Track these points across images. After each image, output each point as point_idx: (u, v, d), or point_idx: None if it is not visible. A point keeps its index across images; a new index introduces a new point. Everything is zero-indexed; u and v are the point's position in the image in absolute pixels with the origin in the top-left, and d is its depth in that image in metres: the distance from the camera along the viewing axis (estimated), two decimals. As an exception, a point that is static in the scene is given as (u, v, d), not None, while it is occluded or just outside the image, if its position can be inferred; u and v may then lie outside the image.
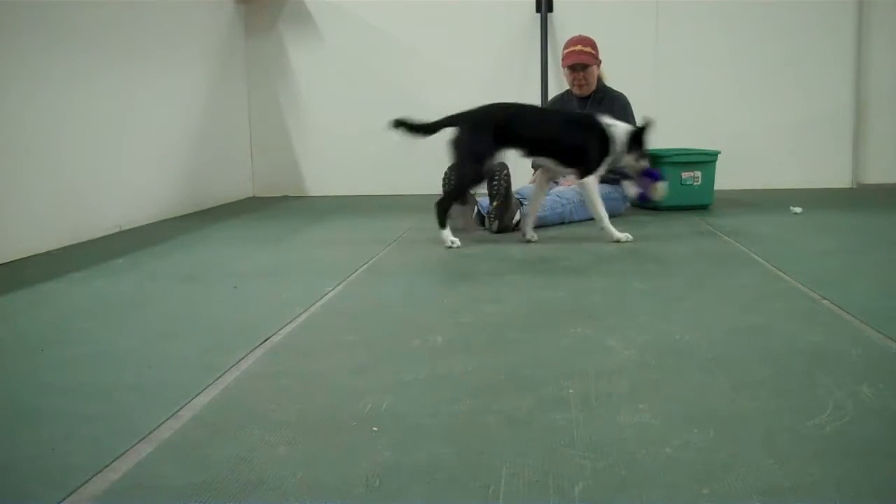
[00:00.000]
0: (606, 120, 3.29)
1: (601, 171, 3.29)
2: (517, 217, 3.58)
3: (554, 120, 3.44)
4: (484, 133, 3.15)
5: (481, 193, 3.66)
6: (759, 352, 1.76)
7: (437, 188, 3.63)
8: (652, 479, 1.16)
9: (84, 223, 3.59)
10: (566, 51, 4.10)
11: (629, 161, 3.31)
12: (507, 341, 1.89)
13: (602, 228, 3.27)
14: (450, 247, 3.17)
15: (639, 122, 4.18)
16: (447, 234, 3.21)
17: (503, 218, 3.52)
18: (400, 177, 5.42)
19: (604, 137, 3.24)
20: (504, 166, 3.53)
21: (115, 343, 1.96)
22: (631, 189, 3.59)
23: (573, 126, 3.33)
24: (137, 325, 2.14)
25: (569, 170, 3.32)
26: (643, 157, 3.32)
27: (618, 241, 3.23)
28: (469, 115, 3.21)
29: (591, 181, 3.25)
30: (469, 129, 3.17)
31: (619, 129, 3.26)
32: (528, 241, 3.31)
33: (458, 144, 3.17)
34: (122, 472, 1.23)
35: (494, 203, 3.52)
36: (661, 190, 3.54)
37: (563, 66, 4.15)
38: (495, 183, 3.48)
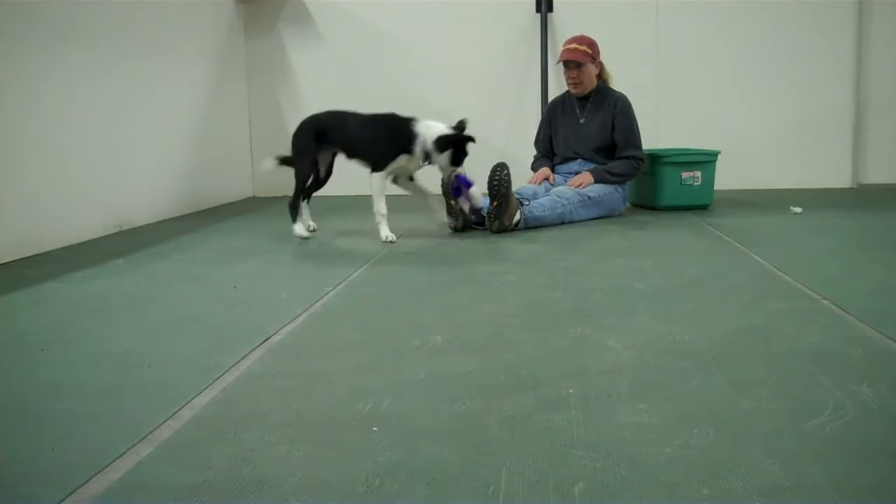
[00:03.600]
0: (423, 123, 3.36)
1: (391, 167, 3.39)
2: (517, 217, 3.58)
3: (361, 120, 3.54)
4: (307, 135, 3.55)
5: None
6: (759, 352, 1.76)
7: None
8: (652, 479, 1.16)
9: (84, 223, 3.59)
10: (562, 48, 4.12)
11: (442, 163, 3.36)
12: (507, 341, 1.89)
13: (377, 223, 3.40)
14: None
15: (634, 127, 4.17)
16: (299, 227, 3.51)
17: (503, 218, 3.52)
18: (400, 177, 5.42)
19: (404, 136, 3.34)
20: (504, 166, 3.53)
21: (115, 343, 1.96)
22: (465, 204, 3.51)
23: (374, 124, 3.47)
24: (137, 325, 2.14)
25: (364, 162, 3.48)
26: (455, 163, 3.36)
27: (385, 240, 3.35)
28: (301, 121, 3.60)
29: (377, 176, 3.39)
30: (297, 133, 3.60)
31: (431, 130, 3.33)
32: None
33: (293, 145, 3.62)
34: (122, 472, 1.23)
35: (494, 203, 3.52)
36: (475, 197, 3.49)
37: (558, 63, 4.21)
38: (496, 183, 3.48)
